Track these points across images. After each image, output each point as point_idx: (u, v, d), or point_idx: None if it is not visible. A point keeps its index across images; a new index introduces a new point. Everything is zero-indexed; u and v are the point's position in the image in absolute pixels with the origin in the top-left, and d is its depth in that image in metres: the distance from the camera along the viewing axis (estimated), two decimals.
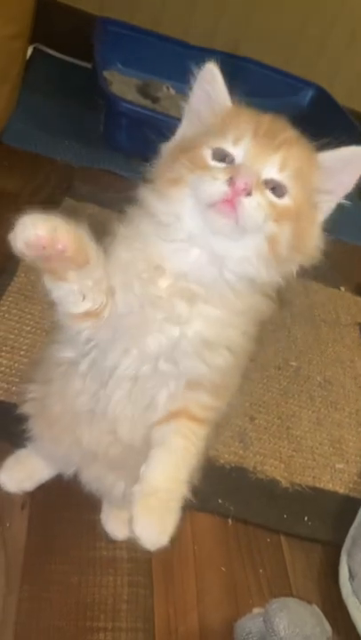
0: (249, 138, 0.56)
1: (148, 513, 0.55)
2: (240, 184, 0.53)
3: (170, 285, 0.59)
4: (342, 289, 1.60)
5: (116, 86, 1.85)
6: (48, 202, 1.38)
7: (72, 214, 1.44)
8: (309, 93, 2.22)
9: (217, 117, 0.60)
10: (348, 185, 0.60)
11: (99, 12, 1.97)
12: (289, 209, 0.57)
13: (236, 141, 0.57)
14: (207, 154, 0.58)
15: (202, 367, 0.61)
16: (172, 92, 1.96)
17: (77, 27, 1.89)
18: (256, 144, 0.56)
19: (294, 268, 0.61)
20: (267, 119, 0.59)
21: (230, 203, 0.54)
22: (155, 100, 1.95)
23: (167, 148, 0.63)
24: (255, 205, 0.54)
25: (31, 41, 1.53)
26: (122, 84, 1.93)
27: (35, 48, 1.92)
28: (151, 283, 0.59)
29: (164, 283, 0.59)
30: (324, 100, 2.17)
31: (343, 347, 1.39)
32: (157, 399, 0.63)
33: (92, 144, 1.67)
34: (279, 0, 2.04)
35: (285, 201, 0.57)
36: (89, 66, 1.92)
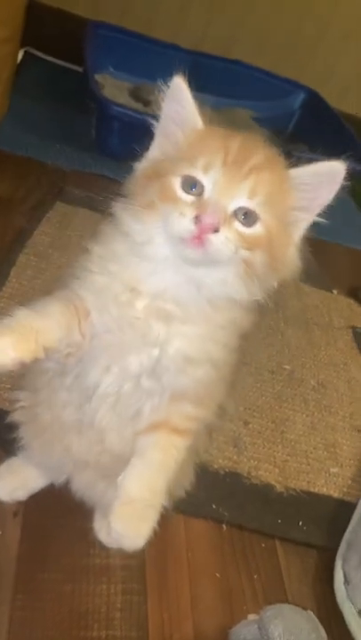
0: (218, 166, 0.55)
1: (123, 520, 0.58)
2: (206, 223, 0.53)
3: (146, 306, 0.60)
4: (335, 292, 1.61)
5: (107, 90, 1.85)
6: (39, 206, 1.38)
7: (64, 218, 1.44)
8: (301, 96, 2.22)
9: (187, 139, 0.59)
10: (324, 201, 0.59)
11: (90, 15, 1.96)
12: (260, 236, 0.57)
13: (205, 170, 0.56)
14: (176, 183, 0.57)
15: (185, 381, 0.61)
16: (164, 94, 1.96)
17: (68, 30, 1.89)
18: (225, 173, 0.55)
19: (275, 284, 0.61)
20: (236, 143, 0.57)
21: (198, 239, 0.54)
22: (146, 103, 1.94)
23: (139, 167, 0.62)
24: (223, 240, 0.54)
25: (22, 44, 1.53)
26: (113, 87, 1.93)
27: (25, 52, 1.92)
28: (128, 305, 0.60)
29: (140, 304, 0.60)
30: (315, 102, 2.18)
31: (336, 350, 1.39)
32: (142, 411, 0.64)
33: (84, 148, 1.67)
34: (271, 3, 2.05)
35: (256, 229, 0.57)
36: (80, 69, 1.92)
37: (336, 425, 1.19)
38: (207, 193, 0.56)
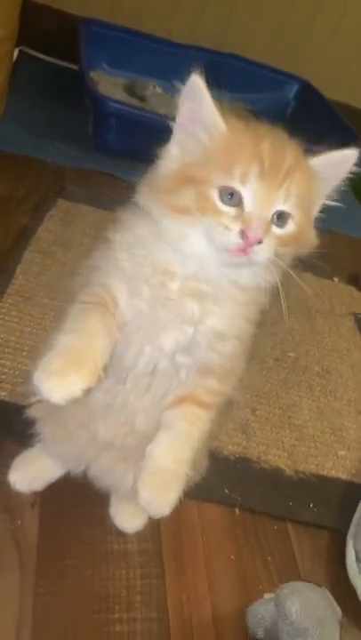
0: (256, 177, 0.57)
1: (151, 489, 0.61)
2: (252, 237, 0.56)
3: (180, 287, 0.62)
4: (335, 280, 1.62)
5: (102, 86, 1.86)
6: (41, 204, 1.39)
7: (66, 215, 1.45)
8: (295, 87, 2.24)
9: (214, 144, 0.59)
10: (335, 185, 0.63)
11: (82, 12, 1.97)
12: (293, 233, 0.60)
13: (243, 181, 0.57)
14: (214, 194, 0.57)
15: (214, 356, 0.64)
16: (159, 90, 1.97)
17: (62, 28, 1.91)
18: (263, 183, 0.57)
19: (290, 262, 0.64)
20: (267, 148, 0.58)
21: (244, 251, 0.57)
22: (142, 98, 1.96)
23: (166, 166, 0.62)
24: (266, 248, 0.57)
25: (16, 43, 1.54)
26: (108, 84, 1.94)
27: (20, 50, 1.93)
28: (161, 286, 0.62)
29: (174, 285, 0.62)
30: (309, 93, 2.19)
31: (339, 336, 1.41)
32: (169, 390, 0.66)
33: (82, 145, 1.68)
34: None
35: (289, 227, 0.60)
36: (75, 67, 1.93)
37: (342, 409, 1.21)
38: (248, 205, 0.57)
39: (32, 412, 0.78)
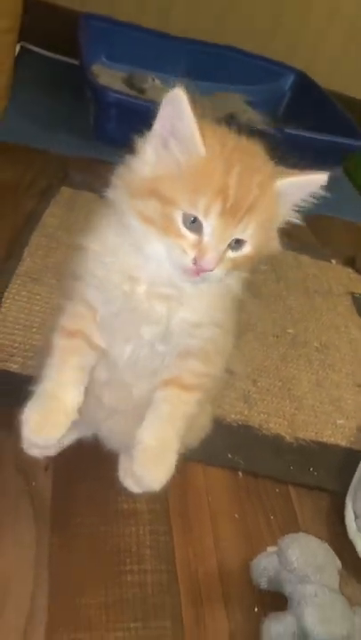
0: (217, 213, 0.59)
1: (142, 465, 0.68)
2: (205, 266, 0.60)
3: (146, 291, 0.66)
4: (333, 262, 1.66)
5: (102, 79, 1.90)
6: (46, 191, 1.44)
7: (69, 201, 1.50)
8: (290, 78, 2.28)
9: (188, 165, 0.60)
10: (301, 200, 0.65)
11: (81, 8, 2.02)
12: (248, 255, 0.63)
13: (205, 214, 0.59)
14: (178, 218, 0.60)
15: (192, 342, 0.69)
16: (158, 82, 2.02)
17: (61, 24, 1.95)
18: (222, 220, 0.59)
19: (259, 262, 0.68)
20: (235, 180, 0.59)
21: (195, 273, 0.61)
22: (141, 91, 2.00)
23: (139, 170, 0.63)
24: (216, 273, 0.62)
25: (17, 39, 1.58)
26: (108, 77, 1.98)
27: (21, 46, 1.97)
28: (130, 291, 0.66)
29: (140, 289, 0.66)
30: (305, 83, 2.23)
31: (337, 314, 1.45)
32: (157, 370, 0.72)
33: (83, 135, 1.74)
34: None
35: (245, 250, 0.63)
36: (73, 62, 1.98)
37: (340, 382, 1.26)
38: (206, 235, 0.60)
39: None
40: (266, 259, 0.69)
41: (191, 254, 0.61)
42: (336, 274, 1.61)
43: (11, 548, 0.78)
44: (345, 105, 2.10)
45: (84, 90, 1.80)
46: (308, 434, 1.10)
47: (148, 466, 0.68)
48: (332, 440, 1.11)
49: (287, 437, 1.08)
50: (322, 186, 0.63)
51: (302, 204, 0.65)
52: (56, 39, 2.02)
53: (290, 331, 1.34)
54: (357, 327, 1.43)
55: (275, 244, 0.67)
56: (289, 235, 1.67)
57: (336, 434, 1.13)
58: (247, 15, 2.16)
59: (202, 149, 0.59)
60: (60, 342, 0.71)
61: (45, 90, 1.89)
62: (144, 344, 0.69)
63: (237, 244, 0.62)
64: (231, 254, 0.62)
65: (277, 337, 1.31)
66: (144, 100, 1.78)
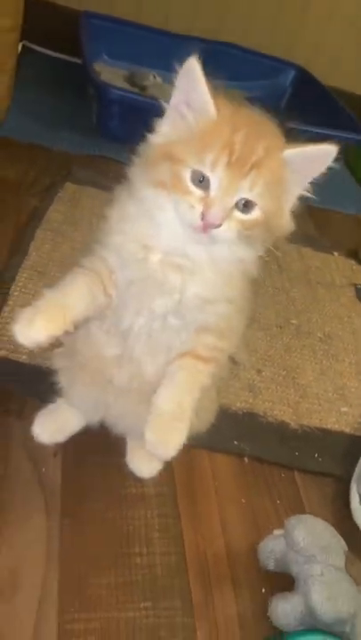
0: (223, 166, 0.61)
1: (155, 431, 0.67)
2: (210, 221, 0.61)
3: (160, 260, 0.67)
4: (336, 254, 1.68)
5: (104, 77, 1.91)
6: (50, 187, 1.46)
7: (73, 197, 1.52)
8: (291, 74, 2.29)
9: (198, 127, 0.63)
10: (314, 176, 0.65)
11: (80, 6, 2.04)
12: (258, 219, 0.63)
13: (212, 168, 0.61)
14: (187, 175, 0.62)
15: (206, 317, 0.70)
16: (159, 80, 2.03)
17: (62, 23, 1.97)
18: (228, 172, 0.61)
19: (271, 243, 0.69)
20: (241, 137, 0.61)
21: (204, 230, 0.62)
22: (142, 88, 2.01)
23: (155, 141, 0.66)
24: (225, 229, 0.62)
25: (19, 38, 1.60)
26: (109, 74, 2.00)
27: (23, 45, 1.99)
28: (144, 260, 0.68)
29: (154, 258, 0.68)
30: (305, 79, 2.24)
31: (340, 305, 1.47)
32: (172, 345, 0.73)
33: (86, 133, 1.75)
34: None
35: (254, 213, 0.63)
36: (74, 60, 2.00)
37: (344, 371, 1.27)
38: (213, 190, 0.62)
39: (54, 363, 0.84)
40: (277, 240, 0.69)
41: (199, 209, 0.62)
42: (339, 266, 1.62)
43: (23, 532, 0.80)
44: (345, 100, 2.11)
45: (86, 88, 1.82)
46: (313, 421, 1.12)
47: (163, 431, 0.67)
48: (336, 427, 1.13)
49: (292, 424, 1.09)
50: (333, 159, 0.63)
51: (314, 178, 0.65)
52: (57, 38, 2.04)
53: (293, 321, 1.35)
54: (360, 318, 1.45)
55: (286, 221, 0.68)
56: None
57: (340, 421, 1.14)
58: (247, 12, 2.18)
59: (213, 112, 0.62)
60: (74, 270, 0.70)
61: (47, 88, 1.91)
62: (156, 317, 0.70)
63: (246, 207, 0.63)
64: (240, 215, 0.63)
65: (281, 327, 1.32)
66: (146, 97, 1.80)
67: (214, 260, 0.67)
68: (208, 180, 0.62)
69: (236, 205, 0.62)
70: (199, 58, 0.62)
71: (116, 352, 0.76)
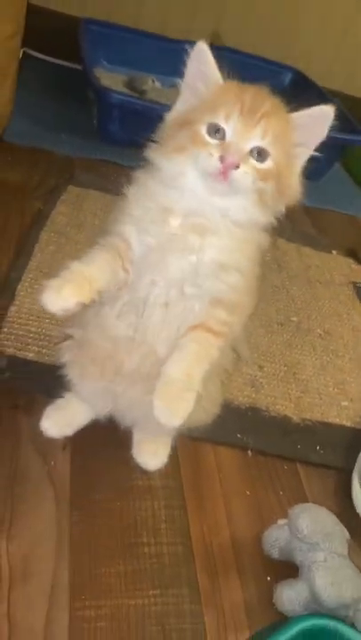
0: (236, 115, 0.67)
1: (163, 397, 0.69)
2: (229, 161, 0.66)
3: (181, 223, 0.71)
4: (334, 252, 1.70)
5: (103, 82, 1.94)
6: (54, 190, 1.48)
7: (77, 200, 1.55)
8: (288, 77, 2.32)
9: (210, 93, 0.71)
10: (318, 138, 0.71)
11: (80, 13, 2.07)
12: (271, 169, 0.69)
13: (226, 118, 0.67)
14: (203, 129, 0.68)
15: (220, 285, 0.73)
16: (158, 84, 2.06)
17: (62, 29, 2.00)
18: (241, 120, 0.67)
19: (283, 208, 0.74)
20: (249, 95, 0.69)
21: (224, 174, 0.67)
22: (141, 93, 2.04)
23: (170, 117, 0.74)
24: (242, 173, 0.67)
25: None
26: (109, 80, 2.02)
27: (23, 52, 2.02)
28: (164, 223, 0.72)
29: (175, 222, 0.71)
30: (301, 82, 2.27)
31: (339, 303, 1.49)
32: (186, 320, 0.75)
33: (87, 137, 1.78)
34: None
35: (268, 163, 0.68)
36: (75, 66, 2.03)
37: (344, 366, 1.29)
38: (228, 137, 0.68)
39: (62, 357, 0.87)
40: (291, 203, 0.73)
41: (216, 154, 0.67)
42: (337, 264, 1.65)
43: (34, 523, 0.82)
44: (342, 102, 2.14)
45: (86, 93, 1.85)
46: (314, 415, 1.14)
47: (171, 399, 0.69)
48: (337, 421, 1.15)
49: (294, 418, 1.11)
50: (333, 118, 0.69)
51: (316, 141, 0.71)
52: (57, 44, 2.07)
53: (294, 319, 1.38)
54: (360, 315, 1.47)
55: (295, 182, 0.73)
56: (292, 228, 1.73)
57: (341, 415, 1.17)
58: (244, 16, 2.21)
59: (220, 78, 0.71)
60: (93, 248, 0.74)
61: (48, 94, 1.94)
62: (173, 284, 0.73)
63: (260, 156, 0.68)
64: (254, 163, 0.68)
65: (282, 325, 1.35)
66: (145, 101, 1.83)
67: (231, 221, 0.71)
68: (223, 131, 0.68)
69: (251, 154, 0.68)
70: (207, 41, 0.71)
71: (128, 333, 0.78)
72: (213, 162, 0.67)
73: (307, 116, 0.71)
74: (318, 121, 0.71)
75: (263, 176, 0.68)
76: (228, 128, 0.68)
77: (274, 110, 0.69)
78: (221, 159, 0.66)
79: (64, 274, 0.69)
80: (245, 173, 0.67)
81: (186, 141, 0.69)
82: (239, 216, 0.71)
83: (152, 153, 0.73)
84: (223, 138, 0.68)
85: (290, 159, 0.71)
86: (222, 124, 0.68)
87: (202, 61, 0.71)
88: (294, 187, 0.73)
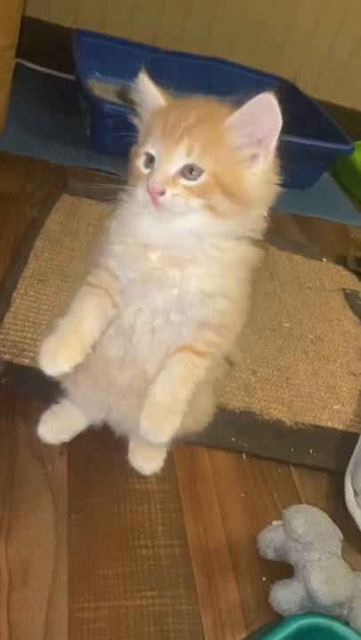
0: (159, 139, 0.66)
1: (149, 418, 0.72)
2: (152, 190, 0.66)
3: (160, 257, 0.72)
4: (324, 260, 1.73)
5: (96, 93, 1.97)
6: (48, 199, 1.50)
7: (71, 208, 1.56)
8: (277, 87, 2.35)
9: (151, 119, 0.70)
10: (267, 129, 0.65)
11: (72, 24, 2.10)
12: (208, 183, 0.66)
13: (153, 144, 0.67)
14: (140, 162, 0.69)
15: (207, 312, 0.74)
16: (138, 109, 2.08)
17: (53, 40, 2.03)
18: (163, 143, 0.66)
19: (258, 212, 0.72)
20: (174, 113, 0.67)
21: (155, 203, 0.67)
22: (133, 103, 2.07)
23: (131, 153, 0.73)
24: (170, 197, 0.66)
25: None
26: (101, 90, 2.05)
27: (16, 62, 2.03)
28: (144, 259, 0.72)
29: (154, 256, 0.72)
30: (291, 92, 2.31)
31: (330, 309, 1.51)
32: (174, 343, 0.77)
33: (80, 146, 1.80)
34: (241, 2, 2.18)
35: (203, 178, 0.66)
36: (67, 76, 2.05)
37: (335, 371, 1.31)
38: (155, 163, 0.67)
39: None
40: (260, 221, 0.72)
41: (145, 187, 0.66)
42: (327, 271, 1.68)
43: (33, 527, 0.83)
44: (330, 112, 2.17)
45: (78, 103, 1.87)
46: (307, 418, 1.16)
47: (156, 420, 0.71)
48: (329, 424, 1.17)
49: (287, 422, 1.13)
50: (275, 104, 0.65)
51: (265, 132, 0.66)
52: (50, 55, 2.09)
53: (286, 324, 1.40)
54: (350, 320, 1.50)
55: (250, 183, 0.68)
56: (283, 236, 1.75)
57: (333, 418, 1.18)
58: (233, 28, 2.25)
59: (162, 102, 0.71)
60: (82, 289, 0.76)
61: (41, 104, 1.96)
62: (158, 313, 0.74)
63: (193, 173, 0.66)
64: (186, 182, 0.66)
65: (274, 330, 1.37)
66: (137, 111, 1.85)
67: (210, 246, 0.70)
68: (154, 157, 0.68)
69: (183, 174, 0.66)
70: (145, 69, 0.73)
71: (119, 354, 0.79)
72: (143, 194, 0.67)
73: (243, 113, 0.66)
74: (257, 112, 0.65)
75: (200, 192, 0.66)
76: (155, 153, 0.67)
77: (199, 122, 0.66)
78: (147, 189, 0.66)
79: (57, 336, 0.72)
80: (175, 196, 0.66)
81: (133, 179, 0.70)
82: (205, 231, 0.69)
83: (123, 192, 0.73)
84: (154, 164, 0.67)
85: (232, 165, 0.67)
86: (152, 152, 0.67)
87: (143, 91, 0.72)
88: (249, 188, 0.68)
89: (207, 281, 0.72)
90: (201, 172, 0.66)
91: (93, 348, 0.74)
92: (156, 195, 0.65)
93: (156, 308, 0.74)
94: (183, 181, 0.66)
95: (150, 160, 0.68)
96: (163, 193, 0.65)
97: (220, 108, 0.70)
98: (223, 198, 0.67)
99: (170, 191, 0.66)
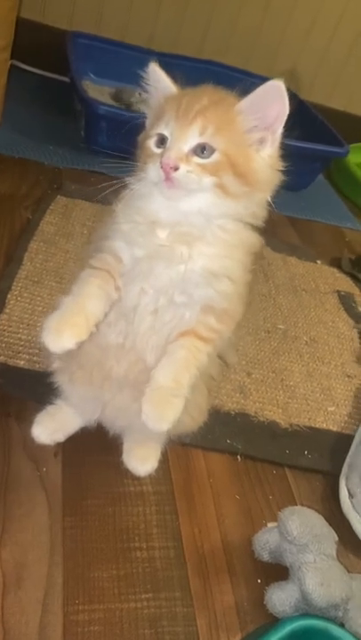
0: (173, 119, 0.69)
1: (151, 403, 0.71)
2: (165, 165, 0.67)
3: (168, 234, 0.73)
4: (319, 262, 1.73)
5: (90, 94, 1.97)
6: (42, 200, 1.50)
7: (65, 210, 1.56)
8: None
9: (163, 103, 0.73)
10: (276, 114, 0.69)
11: (67, 26, 2.09)
12: (220, 161, 0.68)
13: (166, 125, 0.70)
14: (152, 142, 0.71)
15: (211, 293, 0.74)
16: (145, 96, 2.08)
17: (48, 42, 2.02)
18: (178, 122, 0.68)
19: (262, 197, 0.74)
20: (187, 97, 0.70)
21: (167, 180, 0.68)
22: (128, 105, 2.07)
23: (140, 138, 0.76)
24: (184, 173, 0.68)
25: None
26: (96, 92, 2.05)
27: (10, 64, 2.03)
28: (153, 236, 0.73)
29: (162, 233, 0.73)
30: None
31: (324, 311, 1.52)
32: (176, 327, 0.76)
33: (74, 148, 1.80)
34: (236, 3, 2.19)
35: (215, 156, 0.68)
36: (62, 78, 2.05)
37: (330, 373, 1.32)
38: (168, 142, 0.69)
39: (52, 363, 0.88)
40: (263, 204, 0.74)
41: (158, 163, 0.68)
42: (322, 273, 1.68)
43: (27, 529, 0.83)
44: (325, 115, 2.18)
45: (73, 104, 1.87)
46: (302, 420, 1.16)
47: (159, 405, 0.71)
48: (324, 426, 1.17)
49: (282, 423, 1.13)
50: (284, 91, 0.68)
51: (274, 118, 0.69)
52: (45, 57, 2.09)
53: (280, 326, 1.40)
54: (344, 322, 1.50)
55: (259, 165, 0.71)
56: (278, 238, 1.75)
57: (328, 420, 1.19)
58: (228, 31, 2.25)
59: (174, 89, 0.74)
60: (85, 271, 0.76)
61: (36, 105, 1.95)
62: (162, 293, 0.74)
63: (205, 152, 0.68)
64: (198, 160, 0.68)
65: (269, 332, 1.37)
66: (133, 111, 1.85)
67: (217, 227, 0.72)
68: (167, 138, 0.70)
69: (195, 152, 0.68)
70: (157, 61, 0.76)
71: (119, 340, 0.79)
72: (156, 171, 0.68)
73: (253, 98, 0.69)
74: (268, 98, 0.69)
75: (213, 170, 0.68)
76: (168, 133, 0.69)
77: (212, 104, 0.69)
78: (160, 165, 0.67)
79: (61, 312, 0.72)
80: (188, 172, 0.67)
81: (144, 158, 0.72)
82: (213, 212, 0.71)
83: (130, 175, 0.74)
84: (166, 144, 0.70)
85: (243, 147, 0.70)
86: (164, 132, 0.70)
87: (154, 79, 0.75)
88: (258, 169, 0.71)
89: (215, 260, 0.73)
90: (213, 150, 0.68)
91: (92, 334, 0.74)
92: (169, 170, 0.67)
93: (161, 288, 0.74)
94: (196, 159, 0.69)
95: (162, 141, 0.70)
96: (176, 169, 0.67)
97: (229, 95, 0.73)
98: (234, 178, 0.69)
99: (183, 167, 0.68)
